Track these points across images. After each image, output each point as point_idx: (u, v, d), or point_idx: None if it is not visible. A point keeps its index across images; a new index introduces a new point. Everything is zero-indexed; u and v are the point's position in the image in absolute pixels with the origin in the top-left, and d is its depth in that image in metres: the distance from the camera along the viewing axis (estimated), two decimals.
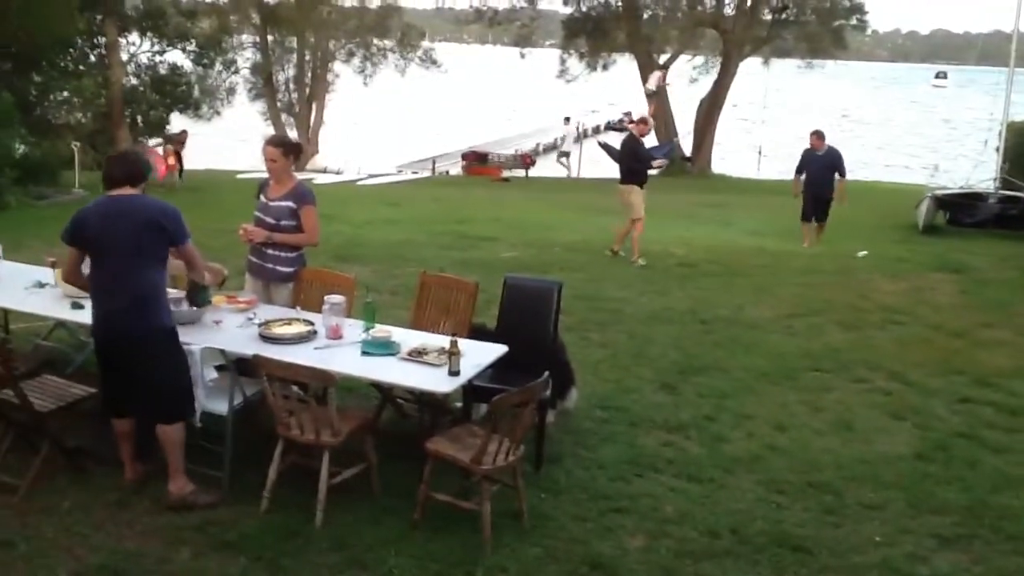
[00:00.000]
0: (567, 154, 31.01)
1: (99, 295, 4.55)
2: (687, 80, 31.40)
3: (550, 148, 40.25)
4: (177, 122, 23.49)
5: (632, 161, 11.22)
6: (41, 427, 4.74)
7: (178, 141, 20.16)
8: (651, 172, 11.81)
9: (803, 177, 13.15)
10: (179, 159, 19.32)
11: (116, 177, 4.52)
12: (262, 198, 5.91)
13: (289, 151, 5.86)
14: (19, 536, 4.27)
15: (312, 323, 5.09)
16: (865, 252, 11.29)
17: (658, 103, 29.25)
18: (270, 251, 5.79)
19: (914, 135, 48.60)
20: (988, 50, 49.51)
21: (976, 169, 16.77)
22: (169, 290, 4.81)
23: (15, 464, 4.77)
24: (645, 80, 27.55)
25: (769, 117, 35.95)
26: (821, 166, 12.91)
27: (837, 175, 12.95)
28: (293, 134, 32.04)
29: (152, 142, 21.86)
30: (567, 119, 33.15)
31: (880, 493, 5.06)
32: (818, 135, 13.03)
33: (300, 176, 6.31)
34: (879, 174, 28.73)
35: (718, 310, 8.81)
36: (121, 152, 4.79)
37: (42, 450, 4.74)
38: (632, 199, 11.14)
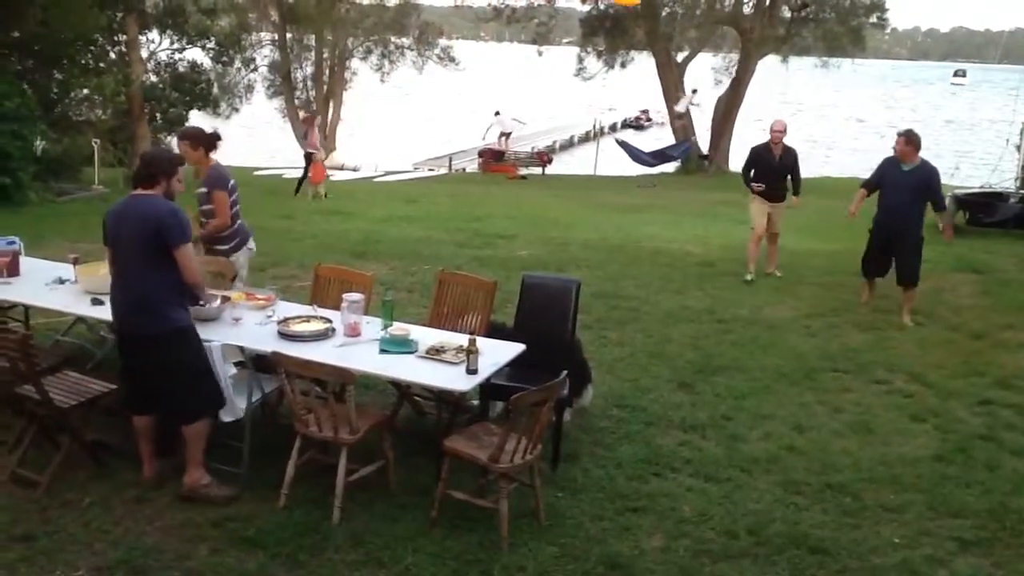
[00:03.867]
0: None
1: (113, 293, 4.63)
2: (709, 81, 31.32)
3: (567, 145, 40.26)
4: (196, 120, 23.62)
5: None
6: (62, 423, 4.78)
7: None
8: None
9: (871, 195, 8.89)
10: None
11: (136, 176, 4.61)
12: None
13: (198, 143, 6.11)
14: (40, 531, 4.32)
15: (330, 320, 5.10)
16: None
17: (686, 122, 29.28)
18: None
19: (934, 133, 48.25)
20: (1010, 48, 49.08)
21: (996, 168, 16.63)
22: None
23: (36, 459, 4.82)
24: (673, 100, 27.54)
25: (786, 116, 35.76)
26: (906, 187, 8.40)
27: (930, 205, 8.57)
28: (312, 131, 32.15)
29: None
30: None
31: (899, 495, 5.03)
32: (908, 138, 8.46)
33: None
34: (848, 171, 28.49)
35: (736, 309, 8.78)
36: (145, 151, 4.81)
37: (63, 446, 4.78)
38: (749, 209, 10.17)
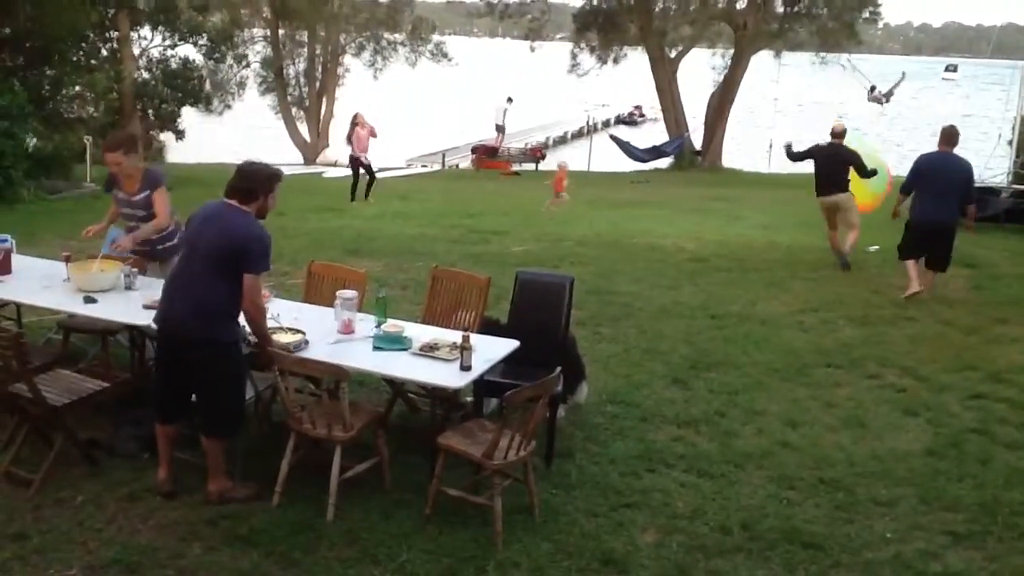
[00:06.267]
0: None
1: (169, 292, 4.52)
2: (702, 77, 31.36)
3: (560, 141, 40.25)
4: (188, 116, 23.59)
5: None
6: (55, 421, 4.77)
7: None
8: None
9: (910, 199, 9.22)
10: None
11: (232, 188, 4.49)
12: (120, 194, 6.04)
13: (128, 150, 5.95)
14: (33, 529, 4.31)
15: (301, 332, 4.90)
16: (877, 247, 11.21)
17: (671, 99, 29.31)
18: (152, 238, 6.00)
19: (926, 127, 48.33)
20: (1002, 42, 49.22)
21: (988, 163, 16.66)
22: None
23: (29, 458, 4.81)
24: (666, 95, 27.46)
25: (780, 111, 35.85)
26: (946, 183, 8.80)
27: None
28: (303, 128, 32.14)
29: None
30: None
31: (892, 489, 5.04)
32: (948, 136, 8.95)
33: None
34: (893, 167, 28.56)
35: (729, 305, 8.79)
36: (246, 163, 4.68)
37: (56, 444, 4.77)
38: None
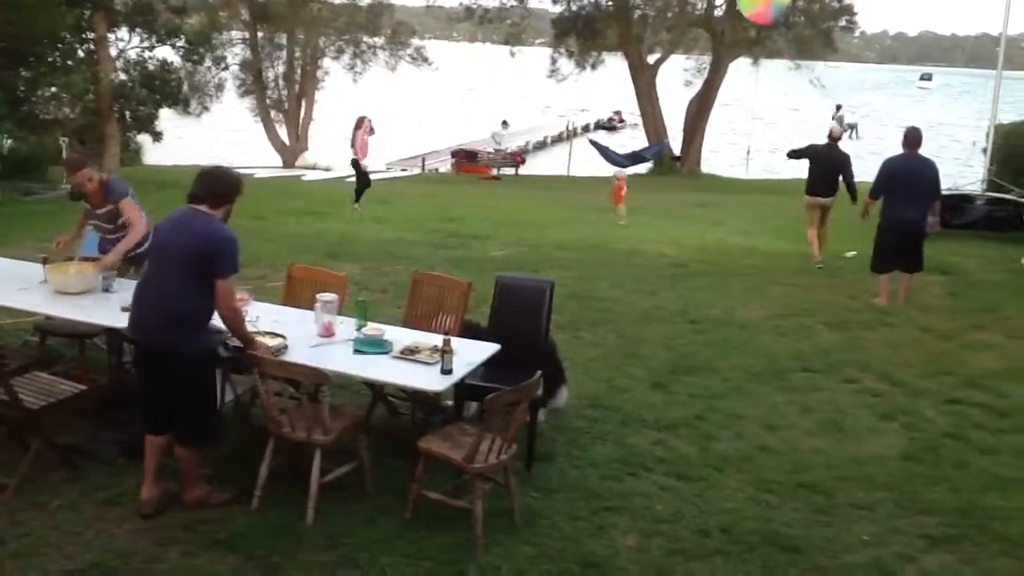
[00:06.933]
0: None
1: (140, 303, 4.45)
2: (681, 83, 31.53)
3: (540, 146, 40.32)
4: (166, 118, 23.40)
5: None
6: (31, 424, 4.72)
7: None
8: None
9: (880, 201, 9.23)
10: None
11: (197, 192, 4.43)
12: (86, 207, 6.07)
13: (90, 163, 6.03)
14: (9, 534, 4.26)
15: (282, 336, 4.86)
16: (854, 252, 11.31)
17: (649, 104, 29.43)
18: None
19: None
20: (976, 52, 49.77)
21: (963, 170, 16.85)
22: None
23: (6, 461, 4.75)
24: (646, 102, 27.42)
25: (758, 118, 36.10)
26: (916, 184, 8.96)
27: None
28: (283, 131, 32.03)
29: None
30: None
31: (870, 493, 5.08)
32: (913, 139, 9.12)
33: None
34: (869, 173, 28.80)
35: (709, 310, 8.83)
36: (211, 168, 4.62)
37: (32, 447, 4.72)
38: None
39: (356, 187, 15.79)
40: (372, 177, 16.37)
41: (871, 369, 7.22)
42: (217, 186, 4.45)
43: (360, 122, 15.42)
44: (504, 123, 33.05)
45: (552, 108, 51.11)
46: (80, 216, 6.26)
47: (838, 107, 34.19)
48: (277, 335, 4.86)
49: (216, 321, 4.46)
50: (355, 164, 15.76)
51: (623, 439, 5.65)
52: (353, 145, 15.62)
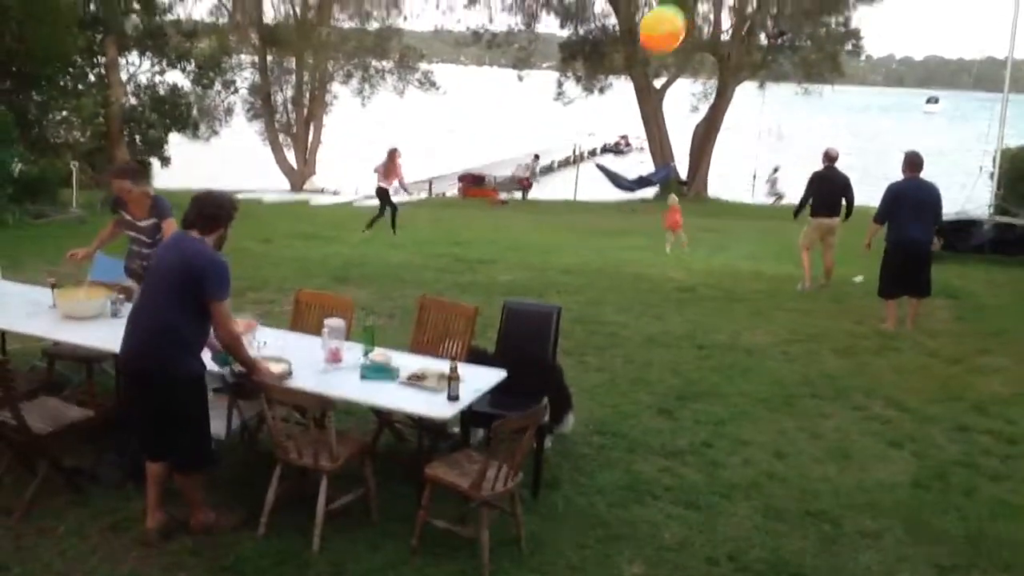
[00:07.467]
0: None
1: (133, 327, 4.44)
2: (688, 108, 31.66)
3: (547, 170, 40.46)
4: (175, 142, 23.54)
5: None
6: (39, 449, 4.73)
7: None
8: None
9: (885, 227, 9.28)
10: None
11: (191, 217, 4.43)
12: (128, 217, 6.11)
13: (135, 177, 6.10)
14: (14, 559, 4.25)
15: (286, 361, 4.84)
16: (861, 277, 11.30)
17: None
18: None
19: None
20: (982, 76, 49.86)
21: (970, 195, 16.83)
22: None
23: (12, 486, 4.76)
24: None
25: (764, 143, 36.18)
26: (921, 206, 9.03)
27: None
28: (291, 154, 32.20)
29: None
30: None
31: (878, 521, 5.05)
32: (914, 163, 9.23)
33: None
34: (874, 198, 28.82)
35: (715, 335, 8.82)
36: (204, 193, 4.63)
37: (39, 472, 4.72)
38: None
39: (378, 213, 16.00)
40: (379, 202, 16.49)
41: (879, 395, 7.19)
42: (205, 208, 4.45)
43: (393, 153, 15.80)
44: (536, 156, 33.52)
45: (562, 131, 51.31)
46: (104, 229, 6.29)
47: (775, 168, 33.64)
48: (282, 360, 4.87)
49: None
50: (383, 192, 15.91)
51: (630, 466, 5.63)
52: (385, 174, 15.77)
